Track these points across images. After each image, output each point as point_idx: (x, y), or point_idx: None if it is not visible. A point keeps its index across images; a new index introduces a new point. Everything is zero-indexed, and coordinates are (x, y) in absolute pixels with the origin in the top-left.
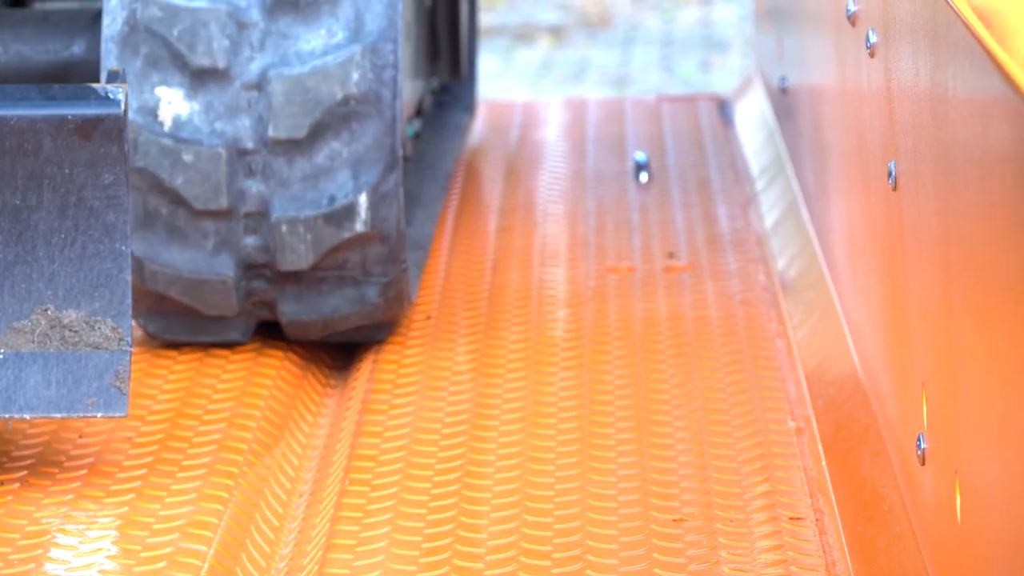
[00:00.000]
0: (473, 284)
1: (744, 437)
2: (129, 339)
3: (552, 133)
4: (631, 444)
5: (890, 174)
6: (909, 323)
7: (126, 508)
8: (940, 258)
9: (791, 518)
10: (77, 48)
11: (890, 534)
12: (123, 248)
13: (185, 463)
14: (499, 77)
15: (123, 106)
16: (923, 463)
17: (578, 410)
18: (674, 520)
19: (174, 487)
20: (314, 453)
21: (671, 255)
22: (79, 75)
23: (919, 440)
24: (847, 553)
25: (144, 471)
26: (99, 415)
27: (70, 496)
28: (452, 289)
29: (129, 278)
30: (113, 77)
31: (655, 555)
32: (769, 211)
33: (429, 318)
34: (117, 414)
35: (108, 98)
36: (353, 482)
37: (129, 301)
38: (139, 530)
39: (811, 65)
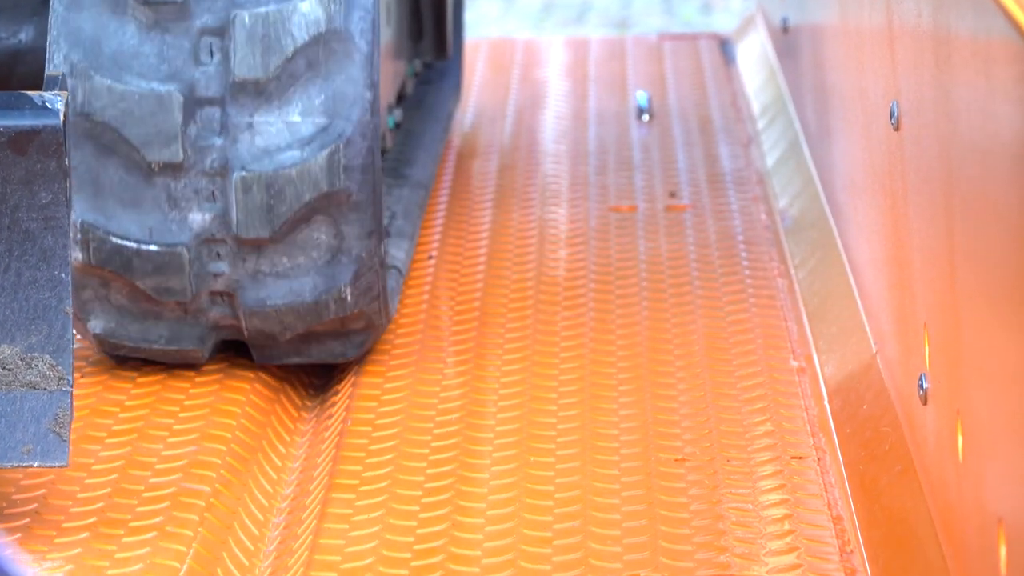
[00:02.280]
0: (474, 224)
1: (746, 377)
2: (70, 378)
3: (553, 72)
4: (632, 384)
5: (892, 114)
6: (911, 263)
7: (78, 550)
8: (942, 198)
9: (793, 457)
10: (24, 35)
11: (892, 473)
12: (62, 276)
13: (146, 495)
14: (500, 20)
15: (63, 116)
16: (925, 403)
17: (580, 350)
18: (676, 460)
19: (132, 524)
20: (291, 478)
21: (672, 194)
22: (27, 63)
23: (921, 380)
24: (849, 492)
25: (100, 504)
26: (35, 464)
27: (19, 535)
28: (453, 229)
29: (70, 309)
30: (53, 83)
31: (657, 495)
32: (770, 150)
33: (430, 257)
34: (56, 463)
35: (46, 107)
36: (334, 503)
37: (70, 335)
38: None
39: (813, 4)
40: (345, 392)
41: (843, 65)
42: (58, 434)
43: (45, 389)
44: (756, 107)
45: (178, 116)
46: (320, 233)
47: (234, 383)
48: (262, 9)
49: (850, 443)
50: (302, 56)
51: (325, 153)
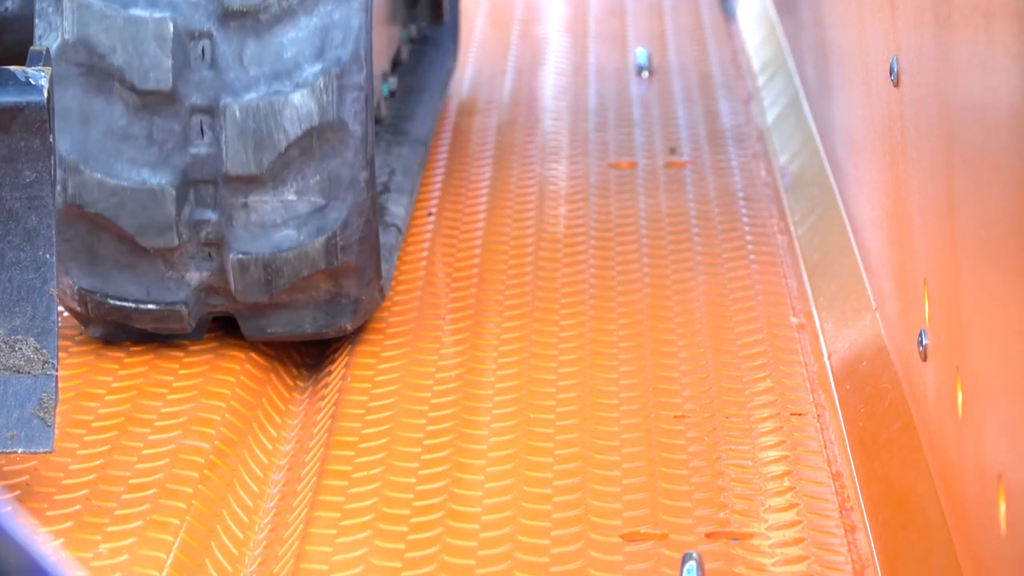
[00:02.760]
0: (475, 180)
1: (746, 333)
2: (55, 361)
3: (553, 28)
4: (632, 341)
5: (892, 70)
6: (911, 219)
7: (61, 540)
8: (942, 154)
9: (792, 414)
10: (11, 3)
11: (891, 430)
12: (47, 256)
13: (132, 481)
14: None
15: (47, 92)
16: (924, 359)
17: (580, 307)
18: (675, 416)
19: (117, 512)
20: (282, 461)
21: (672, 151)
22: (13, 32)
23: (921, 336)
24: (848, 449)
25: (85, 492)
26: (19, 451)
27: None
28: (453, 185)
29: (54, 291)
30: (36, 58)
31: (656, 452)
32: (770, 107)
33: (430, 214)
34: (40, 449)
35: (29, 83)
36: (327, 490)
37: (55, 317)
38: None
39: None
40: (341, 360)
41: (843, 21)
42: (42, 419)
43: (29, 373)
44: (756, 63)
45: (172, 208)
46: (319, 290)
47: (224, 363)
48: (253, 100)
49: (850, 400)
50: (295, 146)
51: (322, 239)
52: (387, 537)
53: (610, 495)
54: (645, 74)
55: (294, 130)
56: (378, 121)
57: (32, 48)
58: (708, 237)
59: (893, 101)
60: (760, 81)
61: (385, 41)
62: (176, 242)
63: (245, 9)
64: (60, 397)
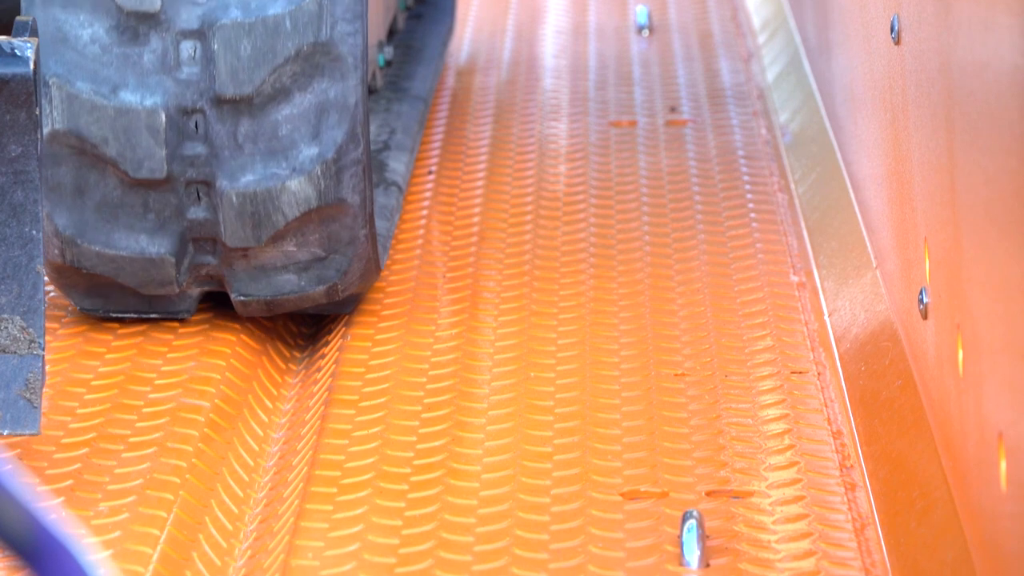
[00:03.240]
0: (475, 138)
1: (746, 292)
2: (42, 341)
3: None
4: (632, 299)
5: (892, 28)
6: (911, 177)
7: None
8: (942, 112)
9: (793, 372)
10: None
11: (892, 388)
12: (33, 233)
13: (125, 455)
14: None
15: (33, 64)
16: (925, 317)
17: (580, 265)
18: (676, 375)
19: (110, 487)
20: (277, 435)
21: (673, 109)
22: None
23: (921, 294)
24: (849, 407)
25: (77, 466)
26: (5, 433)
27: None
28: (453, 144)
29: (41, 268)
30: (22, 29)
31: (657, 410)
32: (771, 65)
33: (430, 172)
34: (27, 431)
35: (15, 55)
36: (323, 464)
37: (42, 295)
38: None
39: None
40: (341, 320)
41: None
42: (29, 400)
43: (15, 353)
44: (756, 22)
45: (171, 272)
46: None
47: (218, 334)
48: (250, 185)
49: (850, 358)
50: (295, 220)
51: (323, 288)
52: (387, 496)
53: (610, 453)
54: (645, 32)
55: (292, 212)
56: (372, 91)
57: (17, 18)
58: (708, 195)
59: (894, 59)
60: (760, 39)
61: (382, 11)
62: (176, 290)
63: (238, 97)
64: (48, 377)
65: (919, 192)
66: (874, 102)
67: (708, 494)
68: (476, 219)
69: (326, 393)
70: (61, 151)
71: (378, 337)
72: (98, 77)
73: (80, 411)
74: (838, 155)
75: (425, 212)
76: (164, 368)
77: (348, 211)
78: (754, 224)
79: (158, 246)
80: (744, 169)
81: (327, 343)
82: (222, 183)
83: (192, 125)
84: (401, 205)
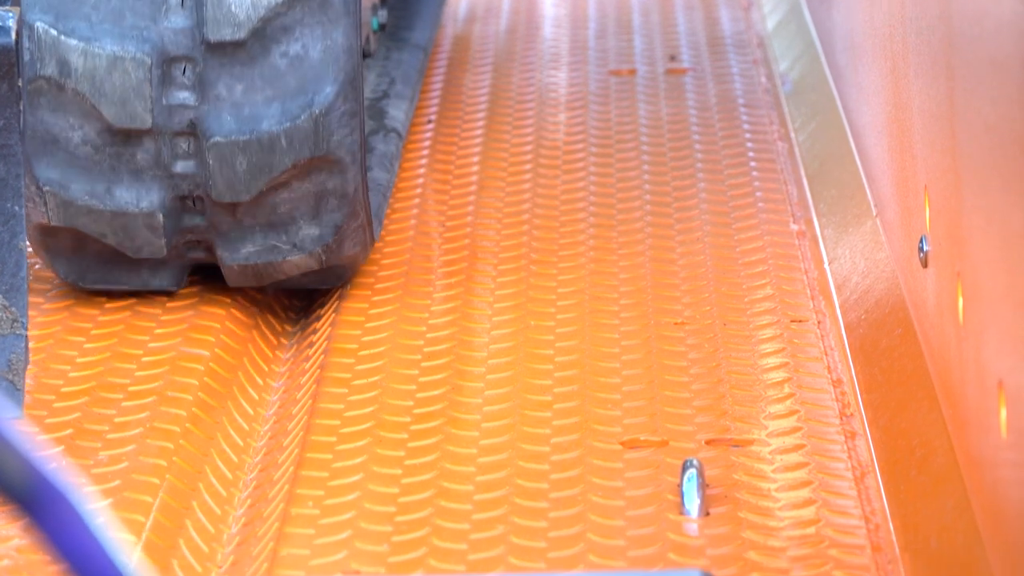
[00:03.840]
0: (474, 87)
1: (746, 240)
2: (25, 320)
3: None
4: (632, 248)
5: None
6: (912, 125)
7: (17, 542)
8: (943, 60)
9: (793, 321)
10: None
11: (892, 336)
12: (16, 209)
13: (110, 436)
14: None
15: (14, 34)
16: (925, 265)
17: (579, 214)
18: (675, 324)
19: (94, 470)
20: (268, 412)
21: (672, 58)
22: None
23: (921, 242)
24: (849, 355)
25: (62, 447)
26: None
27: None
28: (452, 93)
29: (24, 245)
30: None
31: (656, 359)
32: (771, 13)
33: (429, 122)
34: (8, 415)
35: None
36: (323, 413)
37: (25, 273)
38: None
39: None
40: (333, 296)
41: None
42: (12, 382)
43: None
44: None
45: None
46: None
47: (208, 308)
48: (251, 256)
49: (850, 306)
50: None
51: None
52: (387, 444)
53: (610, 402)
54: None
55: (292, 271)
56: (367, 55)
57: None
58: (708, 144)
59: (894, 6)
60: None
61: None
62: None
63: (235, 202)
64: (32, 356)
65: (919, 140)
66: (874, 50)
67: (708, 442)
68: (475, 168)
69: (325, 343)
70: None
71: (377, 286)
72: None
73: (64, 389)
74: (838, 103)
75: (424, 162)
76: (151, 344)
77: (351, 267)
78: (754, 173)
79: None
80: (744, 118)
81: (323, 303)
82: (222, 254)
83: (191, 202)
84: (400, 153)
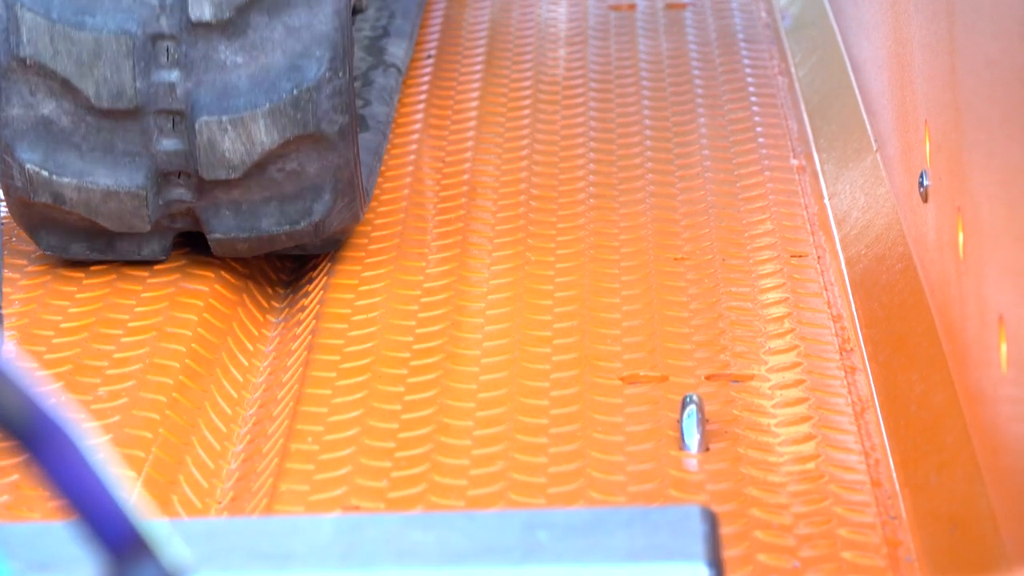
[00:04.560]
0: (474, 23)
1: (746, 175)
2: None
3: None
4: (632, 183)
5: None
6: (912, 60)
7: (14, 476)
8: None
9: (793, 256)
10: None
11: (892, 272)
12: None
13: (93, 407)
14: None
15: None
16: (925, 200)
17: (579, 149)
18: (675, 259)
19: (93, 406)
20: (258, 379)
21: None
22: None
23: (921, 177)
24: (849, 290)
25: (16, 477)
26: None
27: None
28: (451, 28)
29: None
30: None
31: (656, 294)
32: None
33: (429, 57)
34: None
35: None
36: (322, 349)
37: None
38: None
39: None
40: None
41: None
42: None
43: None
44: None
45: None
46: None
47: (192, 284)
48: (239, 232)
49: (850, 242)
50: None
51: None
52: (387, 380)
53: (610, 338)
54: None
55: (281, 245)
56: (359, 11)
57: None
58: (708, 79)
59: None
60: None
61: None
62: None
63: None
64: (9, 331)
65: (919, 75)
66: None
67: (708, 378)
68: (474, 104)
69: (324, 278)
70: None
71: (377, 221)
72: None
73: (48, 356)
74: (838, 38)
75: (423, 96)
76: (151, 280)
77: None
78: (754, 108)
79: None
80: (744, 53)
81: (314, 267)
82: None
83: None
84: (400, 87)
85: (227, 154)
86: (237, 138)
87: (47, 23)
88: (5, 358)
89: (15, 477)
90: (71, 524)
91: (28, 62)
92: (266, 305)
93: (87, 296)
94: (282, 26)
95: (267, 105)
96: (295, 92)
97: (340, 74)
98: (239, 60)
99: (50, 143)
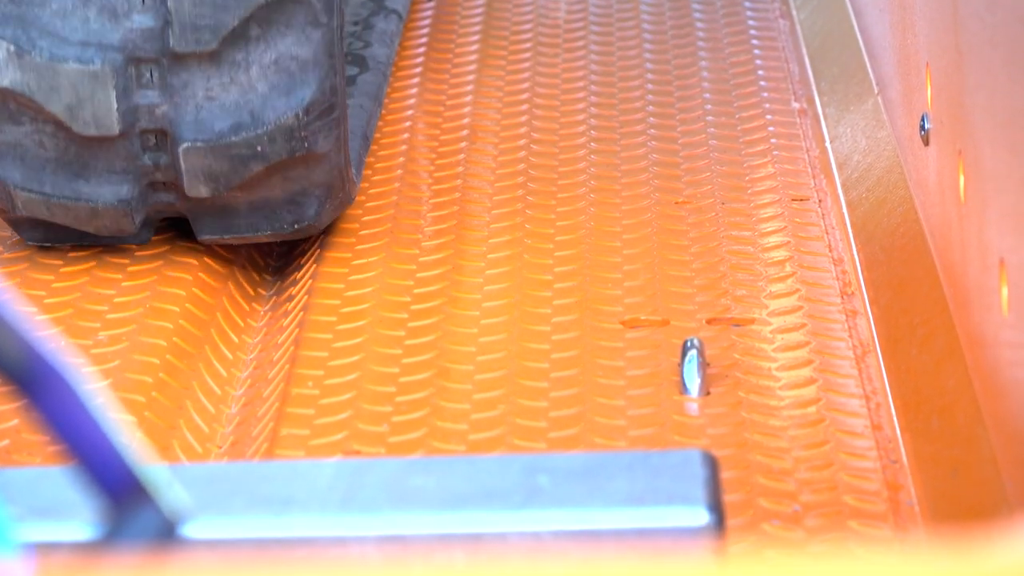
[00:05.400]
0: None
1: (747, 119)
2: None
3: None
4: (634, 126)
5: None
6: (913, 2)
7: (15, 422)
8: None
9: (794, 199)
10: None
11: (893, 215)
12: None
13: (109, 316)
14: None
15: None
16: (926, 144)
17: (581, 92)
18: (676, 203)
19: (93, 351)
20: (268, 293)
21: None
22: None
23: (923, 120)
24: (850, 234)
25: (14, 422)
26: None
27: None
28: None
29: None
30: None
31: (657, 237)
32: None
33: (430, 0)
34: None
35: None
36: (323, 293)
37: None
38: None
39: None
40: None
41: None
42: None
43: None
44: None
45: None
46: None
47: (179, 258)
48: (226, 234)
49: (851, 185)
50: None
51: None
52: (387, 324)
53: (611, 282)
54: None
55: (268, 240)
56: None
57: None
58: (710, 23)
59: None
60: None
61: None
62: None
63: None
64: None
65: (921, 17)
66: None
67: (708, 322)
68: (476, 47)
69: (322, 235)
70: None
71: (378, 165)
72: None
73: (63, 269)
74: None
75: (424, 40)
76: (117, 300)
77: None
78: (756, 51)
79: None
80: None
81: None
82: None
83: None
84: (401, 31)
85: (212, 176)
86: (225, 162)
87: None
88: (4, 303)
89: (15, 422)
90: (71, 469)
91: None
92: (267, 249)
93: (64, 285)
94: (270, 55)
95: (256, 132)
96: (285, 118)
97: (332, 98)
98: (223, 86)
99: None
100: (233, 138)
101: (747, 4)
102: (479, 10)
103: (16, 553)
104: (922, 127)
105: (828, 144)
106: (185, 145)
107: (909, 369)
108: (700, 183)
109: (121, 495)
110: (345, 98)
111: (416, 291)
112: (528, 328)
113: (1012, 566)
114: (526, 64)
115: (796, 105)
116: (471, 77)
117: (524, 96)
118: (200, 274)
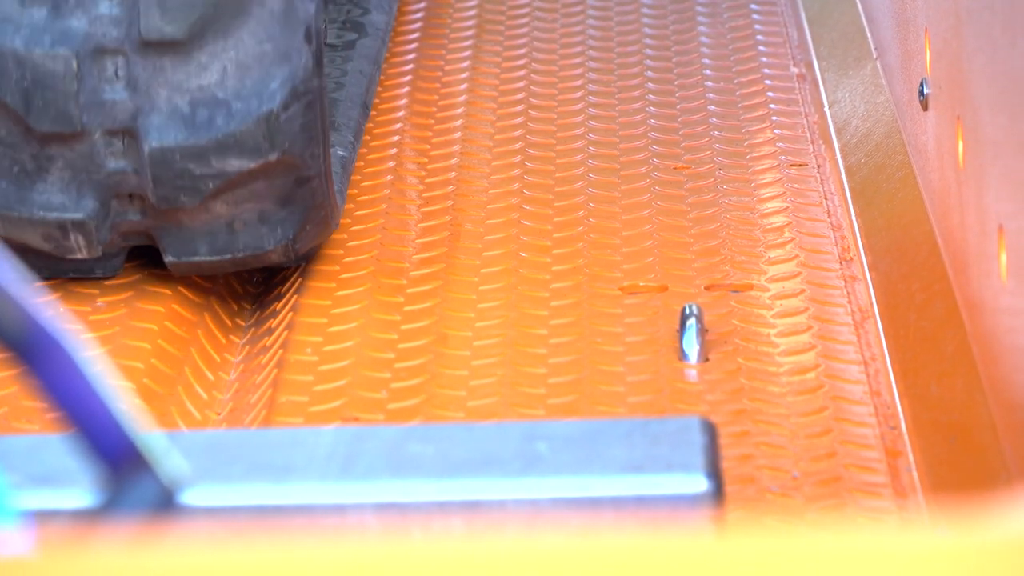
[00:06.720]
0: None
1: (745, 84)
2: None
3: None
4: (632, 92)
5: None
6: None
7: (13, 389)
8: None
9: (792, 165)
10: None
11: (892, 180)
12: None
13: (108, 283)
14: None
15: None
16: (925, 109)
17: (579, 58)
18: (675, 168)
19: (92, 317)
20: (257, 290)
21: None
22: None
23: (921, 85)
24: (849, 199)
25: (14, 389)
26: None
27: None
28: None
29: None
30: None
31: (656, 202)
32: None
33: None
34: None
35: None
36: (327, 247)
37: None
38: None
39: None
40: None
41: None
42: None
43: None
44: None
45: None
46: None
47: (153, 287)
48: (199, 257)
49: (850, 150)
50: None
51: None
52: (386, 290)
53: (609, 247)
54: None
55: (246, 267)
56: None
57: None
58: None
59: None
60: None
61: None
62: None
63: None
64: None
65: None
66: None
67: (707, 288)
68: (472, 13)
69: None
70: None
71: (376, 131)
72: None
73: None
74: None
75: (422, 5)
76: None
77: None
78: (754, 16)
79: None
80: None
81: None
82: None
83: None
84: (396, 3)
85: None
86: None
87: None
88: (1, 270)
89: (13, 389)
90: (69, 437)
91: None
92: (224, 340)
93: None
94: (245, 46)
95: (229, 130)
96: (259, 117)
97: (308, 94)
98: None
99: None
100: (204, 137)
101: None
102: None
103: (15, 520)
104: (921, 92)
105: (827, 109)
106: (153, 145)
107: (908, 335)
108: (699, 148)
109: (120, 462)
110: (327, 100)
111: (414, 257)
112: (527, 294)
113: (1012, 539)
114: (523, 29)
115: (795, 70)
116: (469, 43)
117: (522, 61)
118: (160, 340)
